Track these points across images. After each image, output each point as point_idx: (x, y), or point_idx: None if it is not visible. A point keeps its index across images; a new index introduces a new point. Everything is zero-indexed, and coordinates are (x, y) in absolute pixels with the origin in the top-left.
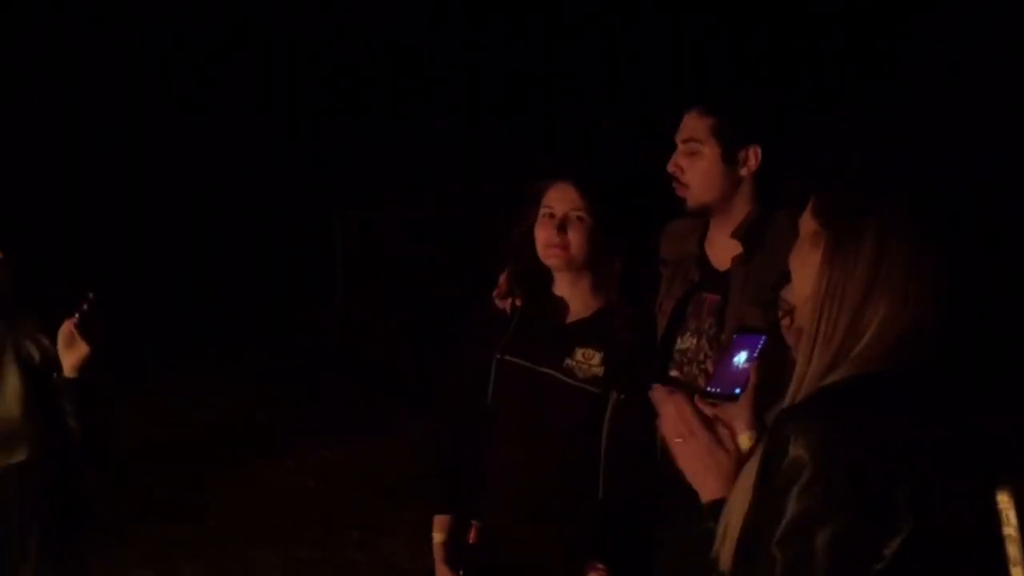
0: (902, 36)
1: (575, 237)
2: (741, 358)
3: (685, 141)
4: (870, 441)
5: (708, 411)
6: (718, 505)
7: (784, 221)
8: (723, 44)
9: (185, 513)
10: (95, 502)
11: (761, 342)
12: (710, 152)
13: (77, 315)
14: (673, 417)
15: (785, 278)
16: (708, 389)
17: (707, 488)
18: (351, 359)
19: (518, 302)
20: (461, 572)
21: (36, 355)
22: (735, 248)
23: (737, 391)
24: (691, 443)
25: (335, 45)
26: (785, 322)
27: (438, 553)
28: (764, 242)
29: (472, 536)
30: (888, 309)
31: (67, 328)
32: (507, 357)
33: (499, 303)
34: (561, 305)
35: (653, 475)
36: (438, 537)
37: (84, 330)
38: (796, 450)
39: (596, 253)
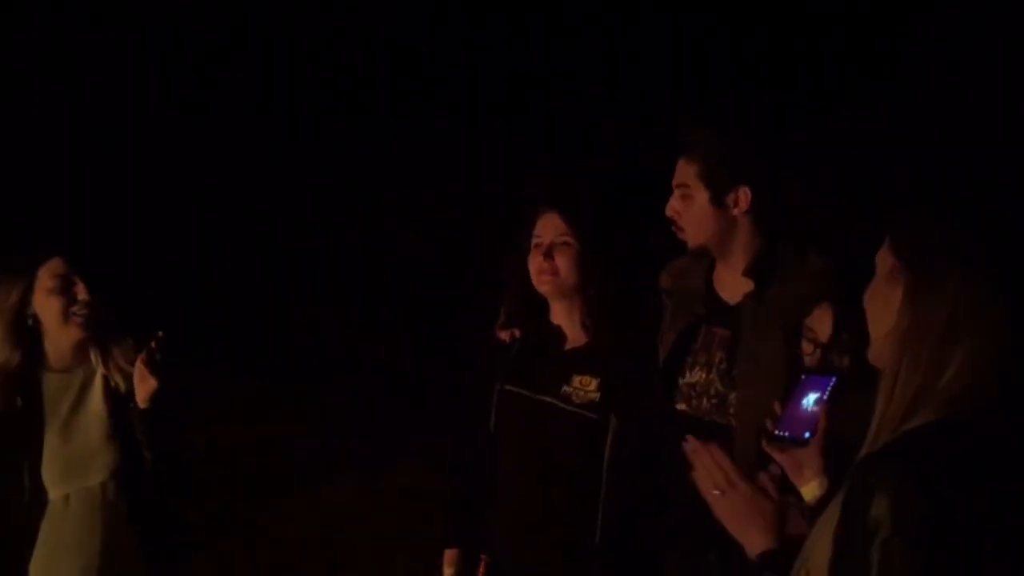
0: (902, 35)
1: (562, 262)
2: (810, 400)
3: (678, 186)
4: (952, 496)
5: (775, 455)
6: (769, 557)
7: (791, 254)
8: (723, 43)
9: (235, 533)
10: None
11: (831, 384)
12: (700, 196)
13: (146, 352)
14: (709, 469)
15: (806, 308)
16: (776, 433)
17: (753, 541)
18: (387, 380)
19: (517, 332)
20: None
21: (122, 384)
22: (745, 284)
23: (807, 435)
24: (731, 495)
25: (334, 44)
26: (808, 350)
27: None
28: (774, 276)
29: (481, 571)
30: (969, 351)
31: (138, 363)
32: (507, 386)
33: (501, 334)
34: (559, 333)
35: (656, 501)
36: (448, 572)
37: (152, 366)
38: (878, 506)
39: (587, 277)
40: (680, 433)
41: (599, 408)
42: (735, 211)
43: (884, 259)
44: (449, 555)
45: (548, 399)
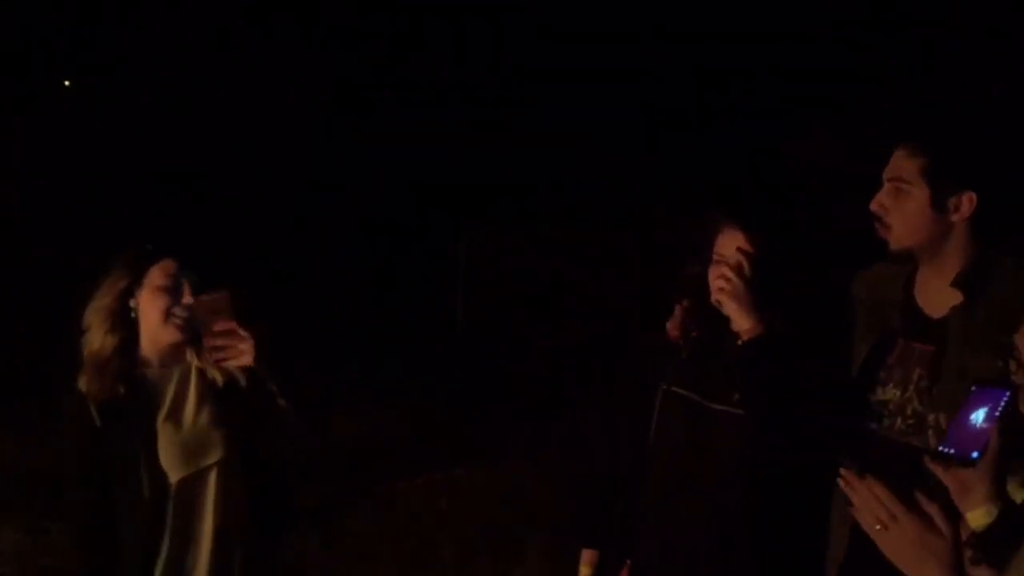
0: None
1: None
2: (979, 416)
3: (891, 180)
4: None
5: (939, 474)
6: None
7: (1008, 269)
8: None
9: (313, 530)
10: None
11: (1004, 399)
12: (919, 194)
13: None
14: (868, 502)
15: (1009, 325)
16: (941, 449)
17: None
18: (478, 376)
19: (695, 333)
20: None
21: (220, 379)
22: (952, 296)
23: (975, 455)
24: (895, 530)
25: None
26: (1013, 369)
27: None
28: (986, 291)
29: (624, 574)
30: None
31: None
32: (674, 388)
33: (672, 332)
34: (735, 342)
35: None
36: (584, 571)
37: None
38: None
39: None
40: (869, 454)
41: None
42: (954, 217)
43: None
44: (588, 555)
45: (721, 407)
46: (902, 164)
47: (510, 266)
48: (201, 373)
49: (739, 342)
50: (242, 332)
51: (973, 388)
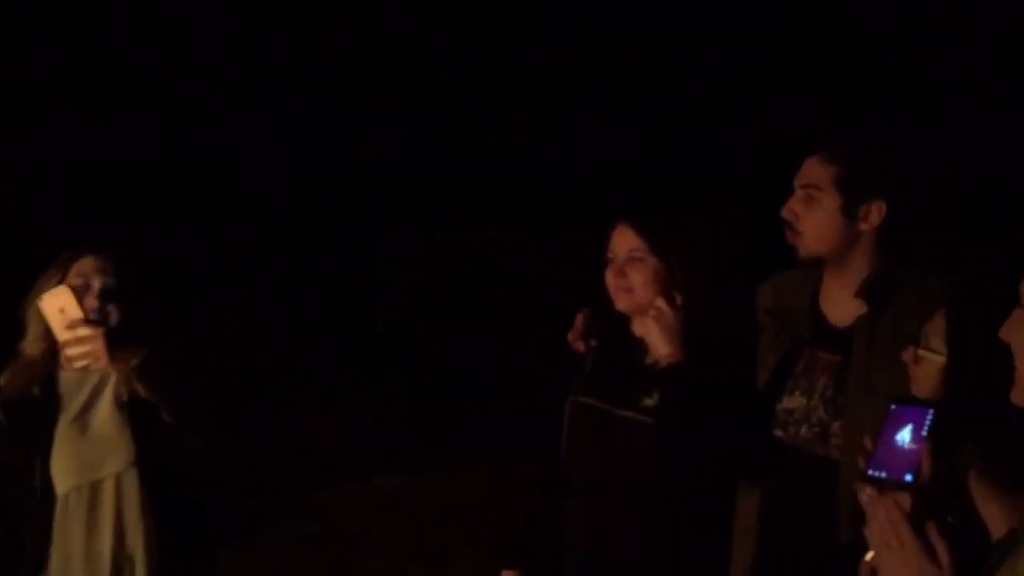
0: None
1: (636, 278)
2: (905, 436)
3: (804, 186)
4: None
5: (873, 500)
6: None
7: (913, 283)
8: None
9: (235, 541)
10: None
11: (929, 417)
12: (829, 202)
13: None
14: (883, 525)
15: (911, 337)
16: (871, 473)
17: None
18: (402, 385)
19: (593, 342)
20: None
21: (125, 394)
22: (857, 306)
23: (909, 478)
24: (900, 555)
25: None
26: (909, 352)
27: None
28: (890, 304)
29: None
30: None
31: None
32: (581, 398)
33: (574, 344)
34: (640, 346)
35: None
36: None
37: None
38: None
39: (665, 293)
40: (775, 461)
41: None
42: (863, 226)
43: None
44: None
45: (629, 413)
46: (815, 171)
47: (432, 271)
48: (114, 388)
49: (658, 365)
50: (88, 331)
51: (892, 407)
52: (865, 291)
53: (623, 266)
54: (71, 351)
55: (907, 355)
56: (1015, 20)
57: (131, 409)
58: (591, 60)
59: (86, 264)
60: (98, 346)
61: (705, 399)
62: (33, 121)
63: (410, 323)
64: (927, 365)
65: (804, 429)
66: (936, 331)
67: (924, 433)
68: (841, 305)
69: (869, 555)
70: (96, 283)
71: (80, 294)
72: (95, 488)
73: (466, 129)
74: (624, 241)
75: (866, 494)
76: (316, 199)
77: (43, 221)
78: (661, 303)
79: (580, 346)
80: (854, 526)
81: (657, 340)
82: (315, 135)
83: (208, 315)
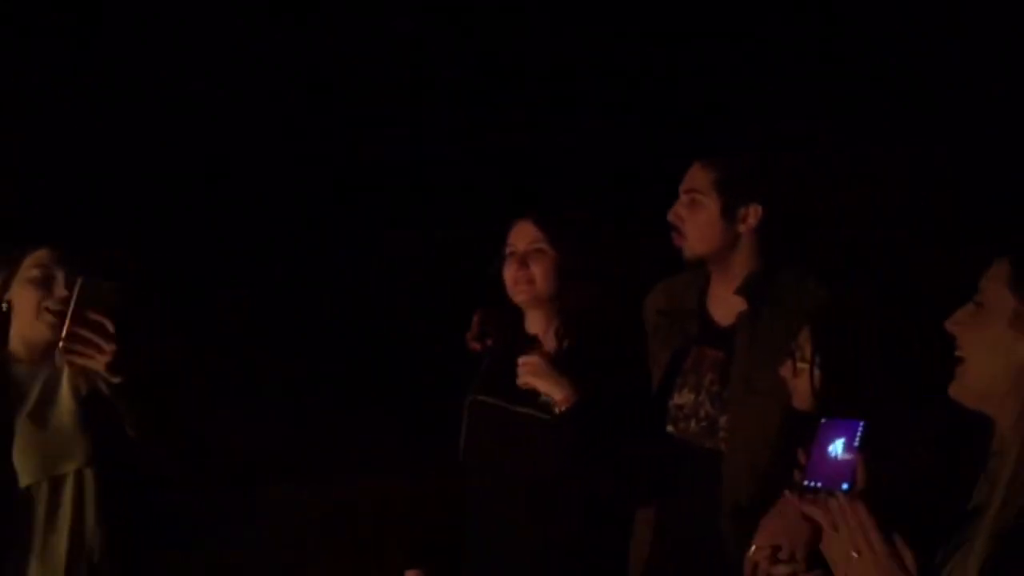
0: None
1: (537, 270)
2: (838, 448)
3: (687, 191)
4: None
5: (810, 510)
6: None
7: (790, 281)
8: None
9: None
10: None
11: (860, 429)
12: (710, 205)
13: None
14: (853, 530)
15: (790, 334)
16: (807, 483)
17: None
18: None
19: (489, 341)
20: None
21: (83, 388)
22: (738, 304)
23: (845, 487)
24: (869, 559)
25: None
26: (787, 367)
27: None
28: (769, 300)
29: None
30: None
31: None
32: (479, 397)
33: (471, 344)
34: (534, 342)
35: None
36: None
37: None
38: None
39: (565, 286)
40: (667, 456)
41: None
42: (742, 227)
43: (1001, 296)
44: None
45: (526, 410)
46: (697, 176)
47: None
48: (71, 379)
49: (557, 410)
50: (109, 333)
51: (822, 421)
52: (744, 290)
53: (524, 258)
54: (75, 346)
55: (785, 369)
56: (1015, 20)
57: (90, 404)
58: (591, 60)
59: (42, 256)
60: (108, 352)
61: (602, 397)
62: (30, 120)
63: (410, 323)
64: (804, 377)
65: (693, 423)
66: (806, 340)
67: (856, 444)
68: (725, 304)
69: (752, 549)
70: (60, 274)
71: (41, 286)
72: (55, 484)
73: (466, 128)
74: (525, 234)
75: (834, 501)
76: (316, 198)
77: (40, 221)
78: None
79: (476, 346)
80: (735, 517)
81: (554, 334)
82: (314, 134)
83: (207, 316)
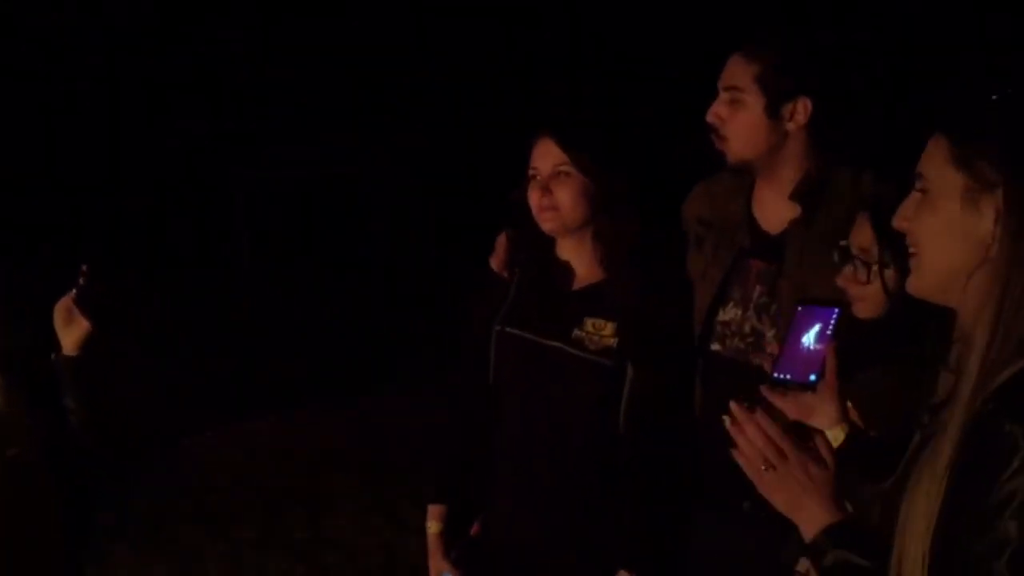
0: None
1: (562, 195)
2: (811, 337)
3: (727, 89)
4: None
5: (778, 402)
6: (835, 532)
7: (845, 180)
8: None
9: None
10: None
11: (834, 316)
12: (753, 103)
13: (74, 290)
14: (755, 442)
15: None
16: (776, 376)
17: (813, 518)
18: (264, 326)
19: (517, 269)
20: (454, 564)
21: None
22: (789, 210)
23: (812, 378)
24: (783, 468)
25: None
26: (863, 278)
27: (432, 544)
28: (823, 204)
29: (475, 528)
30: None
31: (65, 304)
32: (508, 329)
33: (498, 271)
34: (567, 270)
35: (684, 458)
36: (433, 527)
37: (83, 305)
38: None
39: (594, 210)
40: (714, 375)
41: (617, 355)
42: (790, 124)
43: (945, 176)
44: (435, 510)
45: (557, 344)
46: (736, 72)
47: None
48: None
49: (589, 290)
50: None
51: (799, 309)
52: (796, 194)
53: (548, 183)
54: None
55: (845, 276)
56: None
57: (31, 377)
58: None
59: None
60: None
61: (655, 319)
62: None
63: (273, 258)
64: (874, 279)
65: (738, 340)
66: (867, 238)
67: (829, 332)
68: (774, 210)
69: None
70: None
71: None
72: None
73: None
74: (548, 155)
75: (727, 419)
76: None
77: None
78: (595, 220)
79: (503, 272)
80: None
81: (588, 260)
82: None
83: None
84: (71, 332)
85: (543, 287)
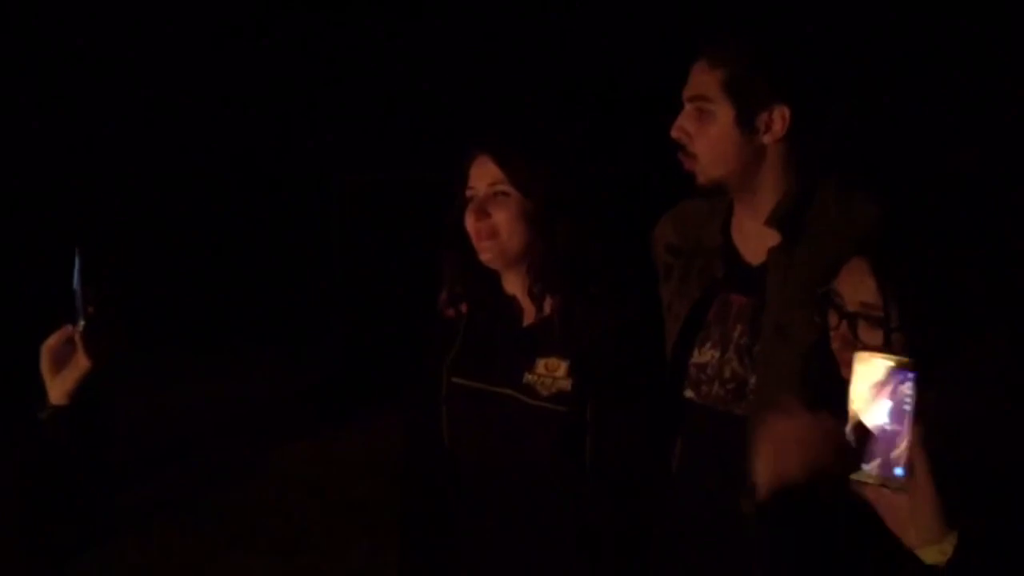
0: None
1: (501, 218)
2: (884, 414)
3: (692, 99)
4: None
5: (873, 501)
6: None
7: (831, 198)
8: None
9: (164, 520)
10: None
11: (911, 385)
12: (723, 114)
13: (83, 321)
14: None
15: (835, 269)
16: (865, 468)
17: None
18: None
19: (463, 308)
20: None
21: None
22: (770, 237)
23: (899, 472)
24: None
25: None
26: (834, 323)
27: None
28: (806, 228)
29: None
30: None
31: (59, 341)
32: (455, 379)
33: (444, 311)
34: (514, 306)
35: (653, 504)
36: None
37: (91, 340)
38: None
39: (539, 235)
40: (690, 427)
41: (573, 399)
42: (766, 137)
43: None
44: None
45: (507, 391)
46: (700, 80)
47: (388, 220)
48: None
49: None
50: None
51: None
52: (774, 218)
53: (484, 204)
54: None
55: (839, 339)
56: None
57: None
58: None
59: None
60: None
61: (615, 356)
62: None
63: (361, 276)
64: (875, 341)
65: (717, 386)
66: (859, 287)
67: (907, 408)
68: (754, 237)
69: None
70: None
71: None
72: None
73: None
74: (484, 173)
75: None
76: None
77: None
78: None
79: (450, 313)
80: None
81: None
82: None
83: (153, 269)
84: (64, 377)
85: (491, 327)
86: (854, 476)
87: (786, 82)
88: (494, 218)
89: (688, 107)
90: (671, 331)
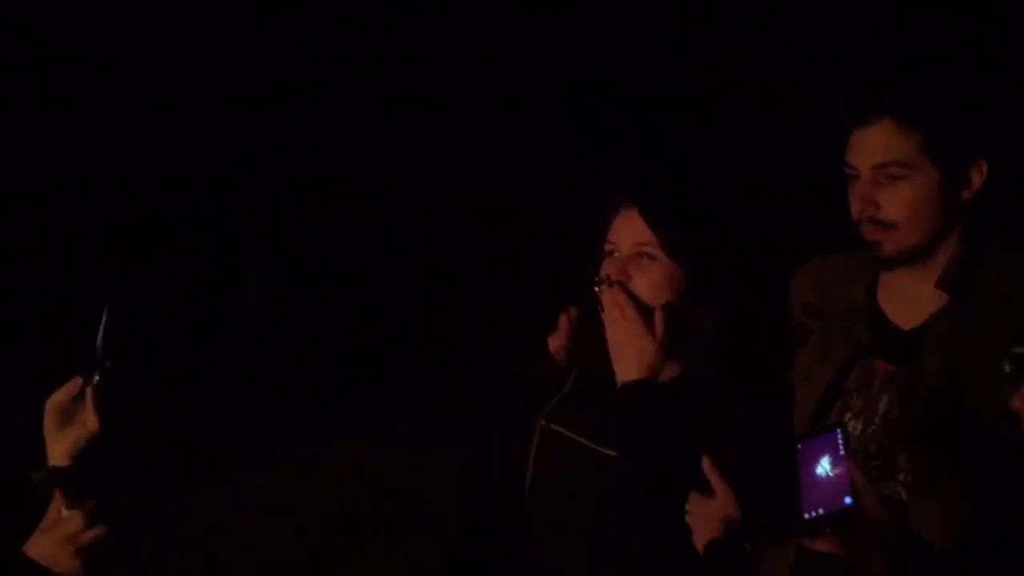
0: None
1: (641, 284)
2: (825, 466)
3: (882, 167)
4: None
5: (824, 547)
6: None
7: (1003, 258)
8: None
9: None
10: None
11: (839, 436)
12: (924, 178)
13: (96, 377)
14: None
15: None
16: (807, 516)
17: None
18: (271, 375)
19: (578, 357)
20: None
21: None
22: (930, 299)
23: (848, 500)
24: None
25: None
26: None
27: None
28: (973, 291)
29: None
30: None
31: (65, 398)
32: (554, 426)
33: (556, 354)
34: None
35: None
36: None
37: (105, 398)
38: None
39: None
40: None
41: None
42: (965, 194)
43: None
44: None
45: (611, 453)
46: (893, 144)
47: (310, 251)
48: None
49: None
50: None
51: (798, 447)
52: (945, 280)
53: (626, 265)
54: None
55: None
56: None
57: None
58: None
59: None
60: None
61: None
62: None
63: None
64: None
65: (863, 461)
66: None
67: (843, 453)
68: (910, 301)
69: None
70: None
71: None
72: None
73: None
74: (630, 230)
75: None
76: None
77: None
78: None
79: (562, 357)
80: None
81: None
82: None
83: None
84: (67, 436)
85: (604, 384)
86: (803, 528)
87: (987, 135)
88: (635, 282)
89: (872, 174)
90: (806, 398)
